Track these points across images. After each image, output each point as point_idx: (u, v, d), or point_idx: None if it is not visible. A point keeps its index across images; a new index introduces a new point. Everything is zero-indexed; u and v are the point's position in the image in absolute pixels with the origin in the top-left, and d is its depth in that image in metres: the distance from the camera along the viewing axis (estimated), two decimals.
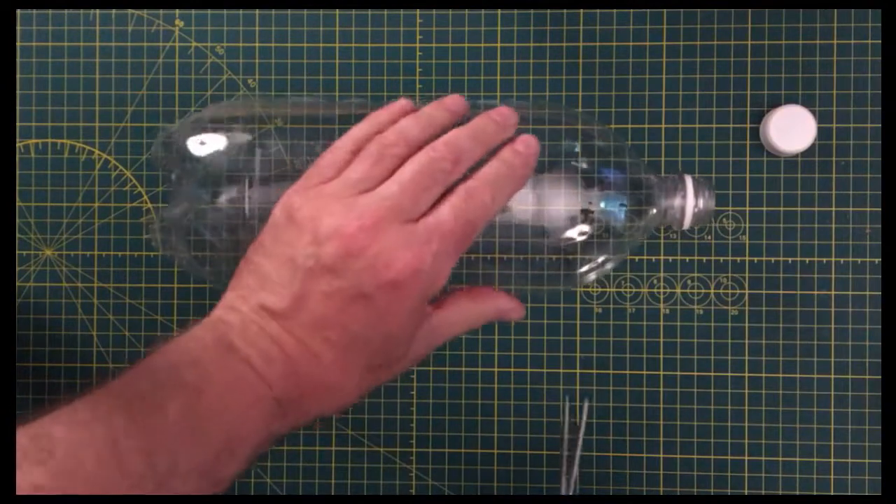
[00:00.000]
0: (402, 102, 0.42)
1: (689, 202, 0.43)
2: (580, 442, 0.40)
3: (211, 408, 0.36)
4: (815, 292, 0.50)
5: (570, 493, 0.36)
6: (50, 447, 0.33)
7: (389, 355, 0.39)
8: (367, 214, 0.37)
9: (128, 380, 0.36)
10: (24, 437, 0.33)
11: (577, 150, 0.43)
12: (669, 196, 0.43)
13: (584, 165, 0.42)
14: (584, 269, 0.43)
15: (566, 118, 0.44)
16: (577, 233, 0.42)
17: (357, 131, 0.41)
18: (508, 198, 0.40)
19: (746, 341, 0.50)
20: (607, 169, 0.43)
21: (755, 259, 0.50)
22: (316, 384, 0.38)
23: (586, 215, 0.42)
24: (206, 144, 0.44)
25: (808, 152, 0.50)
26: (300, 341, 0.37)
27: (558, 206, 0.42)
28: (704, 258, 0.51)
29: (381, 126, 0.41)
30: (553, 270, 0.43)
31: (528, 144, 0.40)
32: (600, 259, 0.43)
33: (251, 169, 0.44)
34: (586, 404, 0.41)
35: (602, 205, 0.42)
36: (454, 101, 0.42)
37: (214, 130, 0.44)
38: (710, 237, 0.50)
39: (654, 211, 0.43)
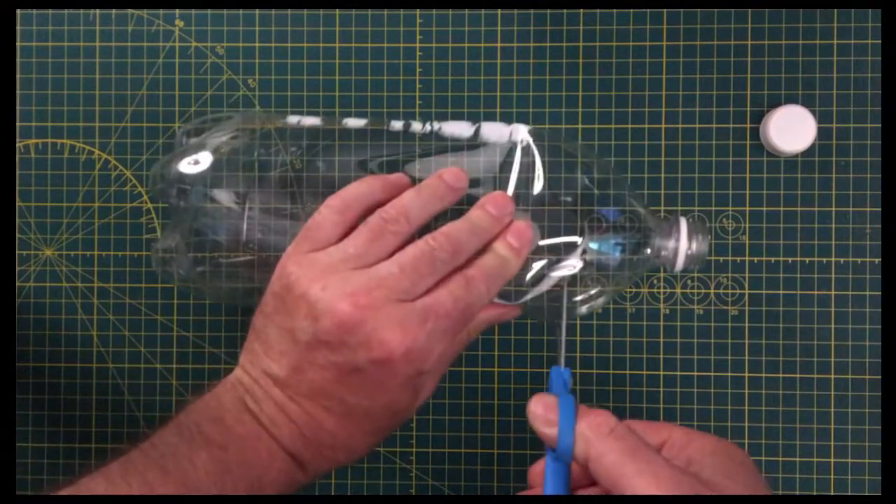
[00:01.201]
0: (401, 177, 0.43)
1: (683, 245, 0.43)
2: (565, 321, 0.41)
3: (235, 461, 0.38)
4: (815, 292, 0.50)
5: (563, 367, 0.38)
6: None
7: (392, 418, 0.40)
8: (363, 292, 0.37)
9: (156, 439, 0.38)
10: (66, 494, 0.35)
11: (577, 187, 0.43)
12: (664, 237, 0.44)
13: (582, 203, 0.43)
14: (575, 300, 0.44)
15: (566, 151, 0.44)
16: (570, 271, 0.42)
17: (348, 193, 0.41)
18: (503, 285, 0.41)
19: (746, 341, 0.50)
20: (605, 208, 0.43)
21: (755, 259, 0.50)
22: (324, 445, 0.39)
23: (582, 255, 0.42)
24: (202, 162, 0.44)
25: (808, 152, 0.50)
26: (302, 408, 0.39)
27: (554, 241, 0.42)
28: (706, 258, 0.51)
29: (373, 192, 0.41)
30: (546, 303, 0.43)
31: (521, 236, 0.41)
32: (592, 292, 0.43)
33: (251, 174, 0.44)
34: (565, 289, 0.42)
35: (597, 245, 0.43)
36: (454, 177, 0.42)
37: (212, 146, 0.44)
38: (710, 237, 0.50)
39: (648, 251, 0.44)
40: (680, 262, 0.44)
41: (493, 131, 0.44)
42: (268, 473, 0.38)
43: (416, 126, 0.45)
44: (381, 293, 0.37)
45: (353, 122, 0.46)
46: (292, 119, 0.46)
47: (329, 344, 0.37)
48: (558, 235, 0.42)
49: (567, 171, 0.44)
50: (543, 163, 0.43)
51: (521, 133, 0.44)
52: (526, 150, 0.43)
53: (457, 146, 0.44)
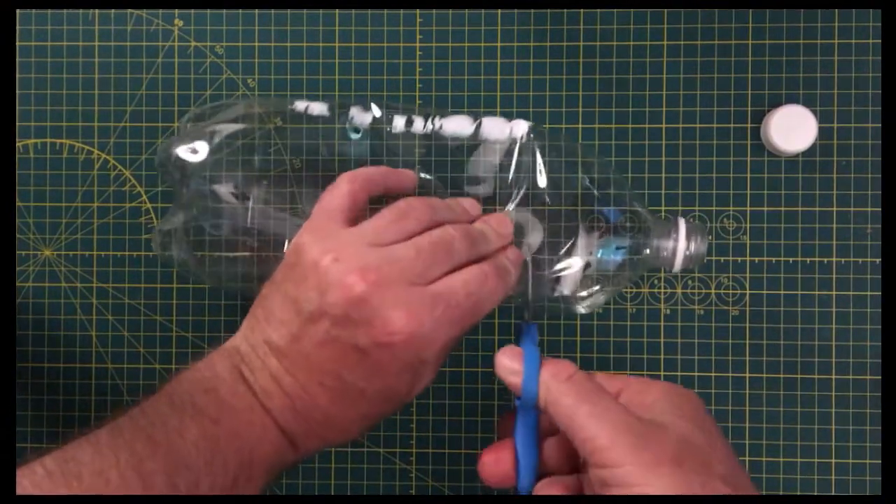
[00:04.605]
0: (409, 172, 0.44)
1: (681, 245, 0.44)
2: (531, 279, 0.42)
3: (226, 434, 0.37)
4: (816, 292, 0.50)
5: (530, 322, 0.41)
6: (77, 471, 0.34)
7: (387, 403, 0.39)
8: (374, 269, 0.37)
9: (147, 406, 0.37)
10: (52, 462, 0.34)
11: (577, 186, 0.43)
12: (663, 238, 0.44)
13: (582, 203, 0.43)
14: (575, 298, 0.44)
15: (566, 150, 0.44)
16: (570, 270, 0.43)
17: (361, 169, 0.42)
18: (507, 293, 0.41)
19: (747, 341, 0.50)
20: (605, 207, 0.43)
21: (756, 259, 0.50)
22: (315, 422, 0.39)
23: (581, 254, 0.43)
24: (200, 151, 0.44)
25: (809, 152, 0.50)
26: (297, 381, 0.38)
27: (555, 241, 0.43)
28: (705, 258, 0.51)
29: (383, 176, 0.42)
30: (545, 302, 0.44)
31: (516, 258, 0.42)
32: (594, 289, 0.44)
33: (250, 171, 0.44)
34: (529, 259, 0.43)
35: (596, 245, 0.43)
36: (471, 204, 0.43)
37: (211, 136, 0.44)
38: (710, 237, 0.50)
39: (647, 251, 0.44)
40: (678, 263, 0.44)
41: (494, 127, 0.44)
42: (259, 448, 0.38)
43: (419, 125, 0.45)
44: (392, 272, 0.37)
45: (359, 116, 0.46)
46: (300, 105, 0.46)
47: (333, 317, 0.37)
48: (558, 234, 0.42)
49: (567, 170, 0.44)
50: (544, 161, 0.43)
51: (522, 129, 0.44)
52: (526, 147, 0.43)
53: (458, 145, 0.44)
